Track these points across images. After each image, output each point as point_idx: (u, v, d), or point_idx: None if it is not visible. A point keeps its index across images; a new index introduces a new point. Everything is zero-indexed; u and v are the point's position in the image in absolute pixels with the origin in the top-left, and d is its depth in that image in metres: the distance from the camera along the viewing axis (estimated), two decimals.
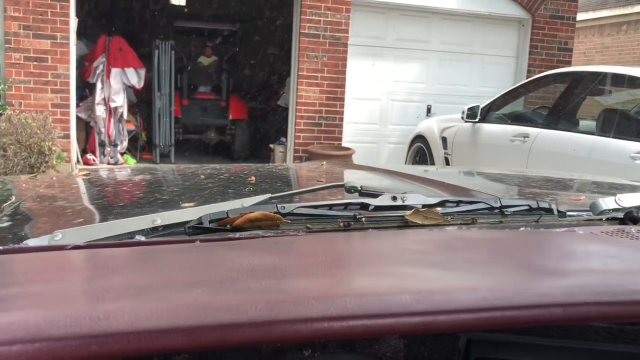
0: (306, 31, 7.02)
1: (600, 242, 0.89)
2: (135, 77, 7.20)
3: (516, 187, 1.89)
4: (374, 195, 1.04)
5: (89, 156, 7.05)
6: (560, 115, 4.49)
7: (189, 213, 0.93)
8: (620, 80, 4.31)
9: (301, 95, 7.13)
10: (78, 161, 6.87)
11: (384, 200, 1.01)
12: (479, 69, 7.82)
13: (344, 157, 6.99)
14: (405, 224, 0.97)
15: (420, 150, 6.35)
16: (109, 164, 7.12)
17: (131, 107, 7.58)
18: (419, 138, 6.37)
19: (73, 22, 6.47)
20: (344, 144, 7.35)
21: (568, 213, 1.08)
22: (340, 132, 7.40)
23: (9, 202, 1.30)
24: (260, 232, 0.89)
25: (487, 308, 0.59)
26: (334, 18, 7.07)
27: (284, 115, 7.66)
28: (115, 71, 7.04)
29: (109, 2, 8.68)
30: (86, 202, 1.48)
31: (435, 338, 0.69)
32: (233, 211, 0.92)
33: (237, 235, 0.87)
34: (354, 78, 7.37)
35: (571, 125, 4.38)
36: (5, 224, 1.10)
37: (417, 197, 1.02)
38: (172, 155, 7.90)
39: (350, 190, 1.09)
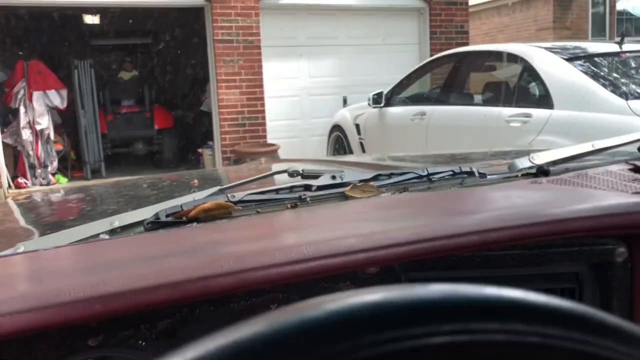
0: (220, 37, 7.38)
1: (512, 189, 1.03)
2: (57, 98, 7.36)
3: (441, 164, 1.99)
4: (315, 176, 1.12)
5: (20, 179, 7.17)
6: (449, 92, 5.07)
7: (144, 212, 0.98)
8: (496, 56, 4.93)
9: (222, 99, 7.49)
10: (10, 186, 6.98)
11: (324, 180, 1.09)
12: (387, 58, 8.39)
13: (270, 153, 7.41)
14: (345, 199, 1.05)
15: (338, 138, 6.84)
16: (41, 185, 7.26)
17: (57, 128, 7.72)
18: (337, 127, 6.86)
19: None
20: (269, 141, 7.76)
21: (488, 175, 1.18)
22: (264, 130, 7.80)
23: None
24: (215, 220, 0.95)
25: (418, 240, 0.70)
26: (244, 23, 7.46)
27: (209, 119, 8.00)
28: (37, 94, 7.18)
29: (23, 27, 8.74)
30: (35, 221, 1.48)
31: (381, 281, 0.76)
32: (187, 204, 0.96)
33: (194, 225, 0.93)
34: (271, 78, 7.78)
35: (459, 99, 4.97)
36: None
37: (353, 174, 1.13)
38: (103, 170, 8.09)
39: (293, 174, 1.17)
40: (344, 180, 1.08)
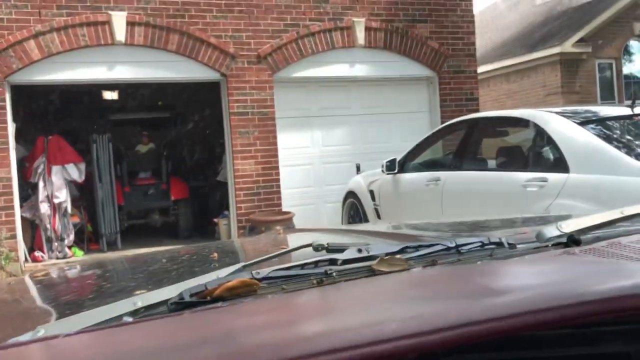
0: (235, 110, 7.57)
1: (548, 263, 0.98)
2: (76, 172, 7.51)
3: (465, 232, 1.96)
4: (340, 250, 1.09)
5: (37, 253, 7.21)
6: (463, 157, 5.11)
7: (167, 291, 0.94)
8: (508, 122, 4.99)
9: (238, 169, 7.60)
10: (26, 260, 7.02)
11: (350, 254, 1.05)
12: (398, 126, 8.52)
13: (285, 221, 7.42)
14: (373, 273, 1.01)
15: (353, 205, 6.86)
16: (57, 258, 7.28)
17: (74, 201, 7.83)
18: (351, 194, 6.89)
19: (11, 127, 6.80)
20: (284, 209, 7.80)
21: (518, 245, 1.15)
22: (279, 198, 7.86)
23: None
24: (240, 299, 0.92)
25: (467, 323, 0.66)
26: (259, 96, 7.66)
27: (224, 189, 8.08)
28: (55, 168, 7.33)
29: (44, 104, 9.03)
30: (54, 300, 1.44)
31: None
32: (211, 283, 0.93)
33: (219, 305, 0.89)
34: (286, 147, 7.92)
35: (473, 164, 4.99)
36: None
37: (380, 247, 1.09)
38: (119, 242, 8.12)
39: (318, 248, 1.13)
40: (371, 254, 1.05)
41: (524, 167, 4.34)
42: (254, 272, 0.97)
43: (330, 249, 1.11)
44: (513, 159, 4.65)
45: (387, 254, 1.05)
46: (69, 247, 7.49)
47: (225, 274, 0.99)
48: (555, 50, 12.58)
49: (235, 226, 7.68)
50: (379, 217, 6.14)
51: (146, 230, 9.09)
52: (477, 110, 8.72)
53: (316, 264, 1.04)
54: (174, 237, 8.75)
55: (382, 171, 5.84)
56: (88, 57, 6.99)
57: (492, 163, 5.03)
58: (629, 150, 3.73)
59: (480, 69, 11.20)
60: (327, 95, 8.20)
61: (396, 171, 5.71)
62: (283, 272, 1.00)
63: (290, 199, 7.95)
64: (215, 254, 1.64)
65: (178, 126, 10.31)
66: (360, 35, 8.12)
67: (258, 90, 7.67)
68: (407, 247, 1.09)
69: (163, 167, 9.18)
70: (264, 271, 0.98)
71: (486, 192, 4.46)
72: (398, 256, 1.05)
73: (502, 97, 14.30)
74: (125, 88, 9.02)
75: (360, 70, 8.24)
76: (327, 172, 8.25)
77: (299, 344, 0.63)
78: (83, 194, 8.28)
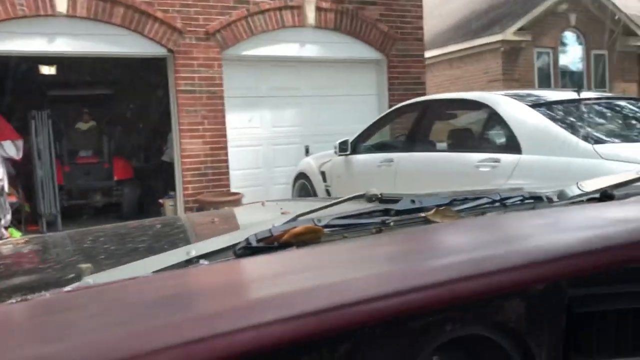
0: (182, 88, 7.38)
1: (602, 208, 1.00)
2: (13, 149, 7.15)
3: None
4: (394, 200, 1.10)
5: None
6: (416, 139, 5.18)
7: (224, 239, 0.94)
8: (461, 104, 5.09)
9: (185, 149, 7.43)
10: None
11: (404, 204, 1.07)
12: (347, 108, 8.53)
13: (234, 202, 7.33)
14: (427, 223, 1.02)
15: (304, 186, 6.85)
16: None
17: (11, 179, 7.46)
18: (301, 175, 6.88)
19: None
20: (232, 190, 7.70)
21: (555, 201, 1.17)
22: (228, 180, 7.74)
23: None
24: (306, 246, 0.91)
25: (593, 251, 0.65)
26: (207, 74, 7.49)
27: (170, 169, 7.89)
28: None
29: None
30: (71, 259, 1.36)
31: (547, 297, 0.71)
32: (275, 229, 0.92)
33: (294, 249, 0.89)
34: (234, 127, 7.80)
35: (426, 146, 5.07)
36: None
37: (430, 199, 1.11)
38: (59, 223, 7.81)
39: (372, 198, 1.16)
40: (423, 205, 1.07)
41: (477, 148, 4.43)
42: (315, 219, 0.97)
43: (383, 200, 1.13)
44: (466, 140, 4.75)
45: (437, 206, 1.07)
46: (6, 228, 7.15)
47: (281, 223, 0.97)
48: (497, 37, 12.92)
49: (182, 207, 7.53)
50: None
51: (88, 211, 8.78)
52: (424, 94, 8.84)
53: (371, 213, 1.05)
54: (117, 218, 8.50)
55: (335, 152, 5.85)
56: (26, 28, 6.63)
57: (444, 145, 5.13)
58: (578, 132, 3.87)
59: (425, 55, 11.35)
60: (277, 75, 8.12)
61: (348, 152, 5.73)
62: (343, 221, 1.00)
63: (238, 180, 7.86)
64: (216, 219, 1.59)
65: (121, 104, 9.96)
66: (311, 15, 8.06)
67: (206, 68, 7.50)
68: (454, 200, 1.11)
69: (105, 145, 8.88)
70: (325, 219, 0.98)
71: (440, 172, 4.54)
72: (449, 208, 1.07)
73: (445, 82, 14.57)
74: (66, 62, 8.62)
75: (310, 50, 8.19)
76: (276, 153, 8.19)
77: (441, 271, 0.61)
78: (21, 172, 7.90)
